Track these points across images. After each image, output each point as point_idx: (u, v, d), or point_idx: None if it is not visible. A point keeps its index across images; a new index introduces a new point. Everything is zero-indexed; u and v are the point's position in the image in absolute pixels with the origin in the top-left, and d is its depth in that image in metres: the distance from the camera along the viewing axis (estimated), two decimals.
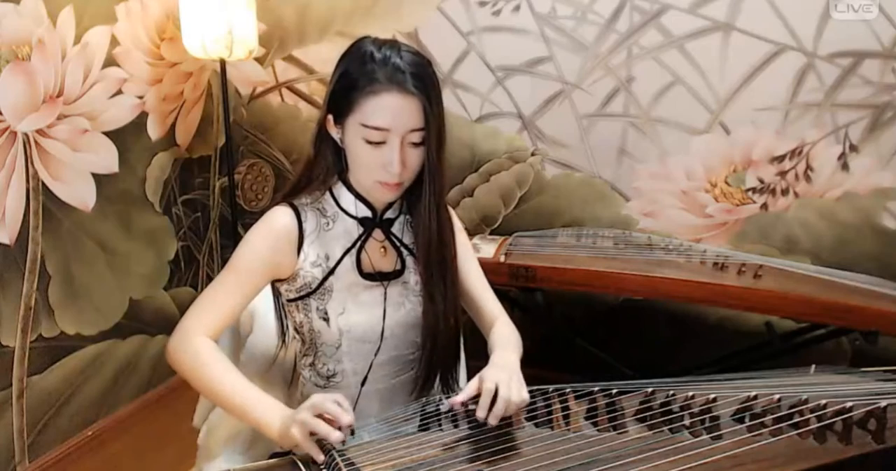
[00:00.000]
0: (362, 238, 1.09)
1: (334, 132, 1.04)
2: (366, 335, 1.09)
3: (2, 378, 1.67)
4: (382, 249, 1.11)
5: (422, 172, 1.04)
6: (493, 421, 0.89)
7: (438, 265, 1.09)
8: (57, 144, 1.75)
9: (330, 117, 1.03)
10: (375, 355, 1.11)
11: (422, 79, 0.97)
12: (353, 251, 1.08)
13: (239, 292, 1.03)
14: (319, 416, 0.86)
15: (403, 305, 1.11)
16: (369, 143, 0.98)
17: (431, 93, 0.98)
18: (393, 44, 1.00)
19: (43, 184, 1.73)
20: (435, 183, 1.04)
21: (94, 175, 1.88)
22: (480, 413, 0.89)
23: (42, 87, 1.69)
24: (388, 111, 0.96)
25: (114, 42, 1.92)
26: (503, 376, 0.92)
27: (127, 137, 1.98)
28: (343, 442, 0.85)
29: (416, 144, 1.00)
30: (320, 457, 0.85)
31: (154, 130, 2.10)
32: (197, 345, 0.99)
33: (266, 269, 1.04)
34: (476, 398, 0.91)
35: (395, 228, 1.12)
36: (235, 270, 1.03)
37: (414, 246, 1.12)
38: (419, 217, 1.07)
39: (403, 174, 1.00)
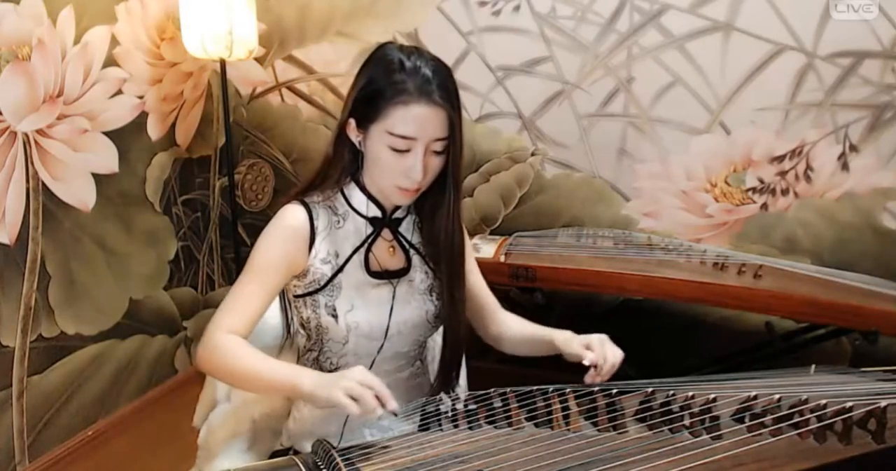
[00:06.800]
0: (372, 237, 1.11)
1: (354, 136, 1.07)
2: (372, 332, 1.10)
3: (2, 378, 1.68)
4: (391, 249, 1.13)
5: (442, 177, 1.07)
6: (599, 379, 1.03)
7: (459, 269, 1.13)
8: (57, 144, 1.75)
9: (352, 121, 1.05)
10: (379, 352, 1.13)
11: (447, 90, 1.01)
12: (363, 250, 1.10)
13: (260, 293, 1.05)
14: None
15: (409, 303, 1.13)
16: (394, 150, 1.01)
17: (455, 103, 1.02)
18: (419, 53, 1.03)
19: (43, 184, 1.73)
20: (457, 189, 1.08)
21: (94, 175, 1.88)
22: (595, 379, 1.02)
23: (42, 87, 1.69)
24: (416, 121, 0.99)
25: (114, 42, 1.92)
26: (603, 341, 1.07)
27: (127, 137, 1.98)
28: (379, 418, 0.89)
29: (437, 153, 1.03)
30: (356, 409, 0.86)
31: (154, 130, 2.10)
32: (219, 341, 1.00)
33: (283, 267, 1.06)
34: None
35: (403, 228, 1.15)
36: (254, 271, 1.05)
37: (421, 246, 1.15)
38: (440, 221, 1.11)
39: (423, 181, 1.04)
